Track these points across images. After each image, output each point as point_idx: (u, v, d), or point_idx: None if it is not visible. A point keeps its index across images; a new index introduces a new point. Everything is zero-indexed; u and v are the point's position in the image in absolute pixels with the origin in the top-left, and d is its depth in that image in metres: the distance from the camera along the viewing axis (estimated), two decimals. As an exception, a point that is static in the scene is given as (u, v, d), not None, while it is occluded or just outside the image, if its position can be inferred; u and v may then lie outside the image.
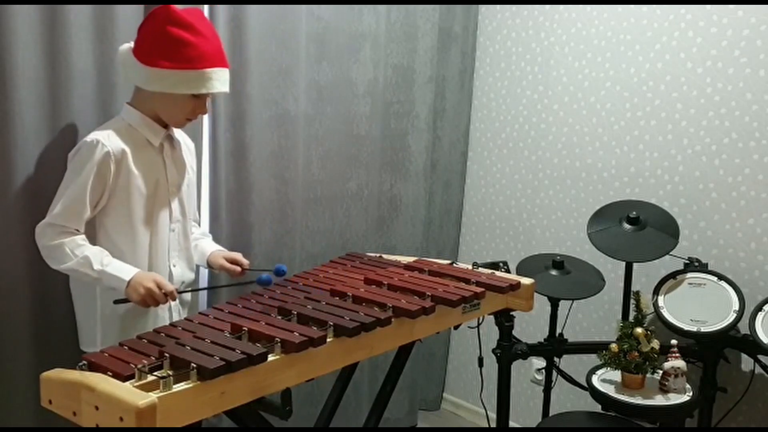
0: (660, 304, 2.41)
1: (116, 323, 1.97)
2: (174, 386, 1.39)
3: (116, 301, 1.87)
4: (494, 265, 2.42)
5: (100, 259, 1.85)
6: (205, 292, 2.47)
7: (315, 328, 1.66)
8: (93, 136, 1.89)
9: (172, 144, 2.06)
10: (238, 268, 2.16)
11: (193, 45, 1.86)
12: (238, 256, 2.19)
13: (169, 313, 2.07)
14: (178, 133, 2.11)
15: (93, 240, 1.92)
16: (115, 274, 1.84)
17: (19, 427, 2.07)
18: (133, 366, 1.43)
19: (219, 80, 1.92)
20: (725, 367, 2.49)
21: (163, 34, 1.86)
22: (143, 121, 1.96)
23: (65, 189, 1.87)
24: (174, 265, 2.07)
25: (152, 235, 2.00)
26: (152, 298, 1.84)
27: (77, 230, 1.87)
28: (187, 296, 2.18)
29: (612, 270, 2.78)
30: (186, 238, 2.12)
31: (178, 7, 1.91)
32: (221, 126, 2.43)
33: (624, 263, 2.56)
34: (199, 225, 2.34)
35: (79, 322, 2.05)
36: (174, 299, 1.91)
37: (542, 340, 2.57)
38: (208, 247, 2.23)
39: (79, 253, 1.84)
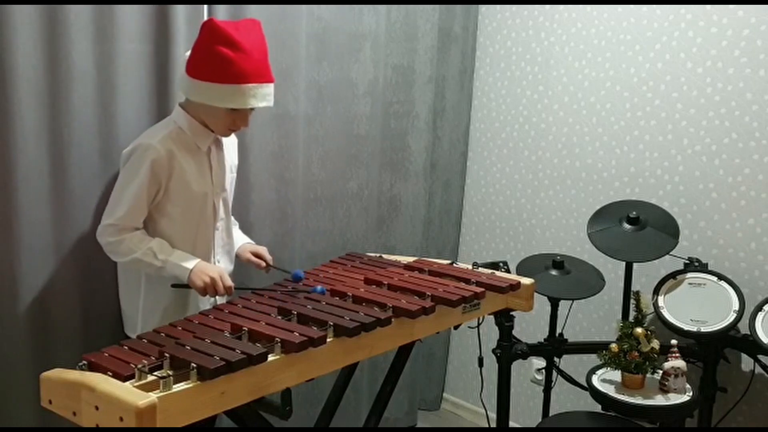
0: (660, 304, 2.41)
1: (157, 314, 2.08)
2: (174, 386, 1.39)
3: (174, 285, 1.99)
4: (494, 265, 2.42)
5: (163, 249, 1.97)
6: None
7: (315, 328, 1.66)
8: (147, 139, 1.99)
9: (219, 147, 2.15)
10: (263, 263, 2.24)
11: (233, 62, 1.90)
12: (263, 250, 2.27)
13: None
14: None
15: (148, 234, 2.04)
16: (178, 262, 1.96)
17: (19, 427, 2.07)
18: (133, 366, 1.43)
19: (256, 96, 1.95)
20: (725, 367, 2.49)
21: (207, 49, 1.93)
22: (193, 126, 2.04)
23: (123, 191, 1.98)
24: (218, 261, 2.17)
25: (199, 232, 2.10)
26: (213, 288, 1.94)
27: (137, 227, 2.00)
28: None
29: (612, 270, 2.78)
30: (229, 235, 2.22)
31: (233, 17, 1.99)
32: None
33: (624, 263, 2.56)
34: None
35: (123, 309, 2.17)
36: (231, 294, 1.99)
37: (542, 340, 2.57)
38: (238, 238, 2.30)
39: (144, 246, 1.96)
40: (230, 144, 2.24)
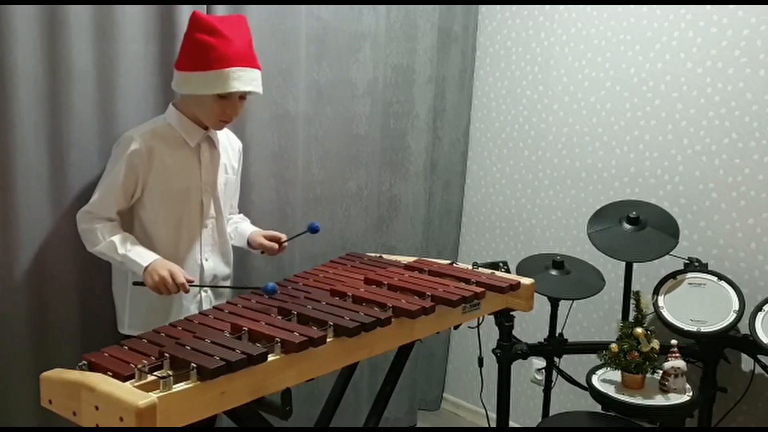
0: (660, 304, 2.41)
1: (142, 310, 2.08)
2: (174, 386, 1.39)
3: (134, 283, 1.97)
4: (494, 265, 2.42)
5: (124, 244, 1.97)
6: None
7: (315, 328, 1.66)
8: (131, 131, 2.02)
9: (212, 144, 2.15)
10: (276, 245, 2.24)
11: (215, 47, 1.94)
12: (276, 233, 2.27)
13: (199, 304, 2.15)
14: (224, 134, 2.21)
15: (130, 230, 2.05)
16: (135, 259, 1.94)
17: (19, 427, 2.07)
18: (133, 366, 1.43)
19: (240, 80, 1.97)
20: (725, 367, 2.49)
21: (190, 40, 1.99)
22: (182, 122, 2.07)
23: (103, 179, 2.02)
24: (206, 260, 2.16)
25: (184, 229, 2.09)
26: (164, 286, 1.91)
27: (110, 218, 2.00)
28: (224, 289, 2.25)
29: (612, 270, 2.78)
30: (221, 234, 2.21)
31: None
32: (221, 126, 2.43)
33: (624, 263, 2.56)
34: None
35: (115, 304, 2.16)
36: (186, 291, 1.96)
37: (542, 340, 2.57)
38: (247, 228, 2.32)
39: (108, 238, 1.97)
40: (228, 146, 2.24)
